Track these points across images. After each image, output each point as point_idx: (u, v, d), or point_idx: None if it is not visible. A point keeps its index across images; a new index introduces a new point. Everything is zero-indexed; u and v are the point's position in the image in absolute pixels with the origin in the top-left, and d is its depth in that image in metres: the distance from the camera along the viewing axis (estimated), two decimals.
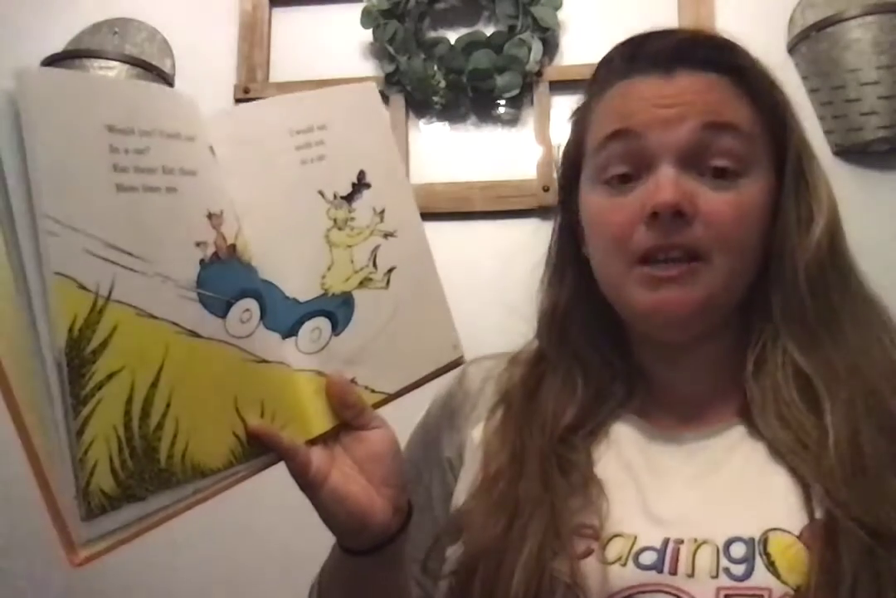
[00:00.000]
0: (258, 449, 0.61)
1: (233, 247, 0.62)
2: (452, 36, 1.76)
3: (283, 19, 1.86)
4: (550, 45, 1.74)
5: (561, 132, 1.69)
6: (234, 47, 1.83)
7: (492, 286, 1.66)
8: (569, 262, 0.81)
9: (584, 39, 1.75)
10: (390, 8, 1.75)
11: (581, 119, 0.79)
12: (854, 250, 0.74)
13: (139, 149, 0.56)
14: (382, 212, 0.71)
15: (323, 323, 0.67)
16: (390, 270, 0.71)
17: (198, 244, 0.59)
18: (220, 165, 0.63)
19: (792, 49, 1.63)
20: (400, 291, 0.71)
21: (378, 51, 1.79)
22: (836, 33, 1.55)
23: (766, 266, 0.72)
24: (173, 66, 1.85)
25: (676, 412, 0.75)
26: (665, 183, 0.68)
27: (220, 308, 0.60)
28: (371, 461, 0.67)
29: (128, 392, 0.53)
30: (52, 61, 1.75)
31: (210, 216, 0.60)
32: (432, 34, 1.79)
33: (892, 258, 1.26)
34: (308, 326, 0.66)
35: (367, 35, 1.78)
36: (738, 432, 0.71)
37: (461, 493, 0.77)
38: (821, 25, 1.57)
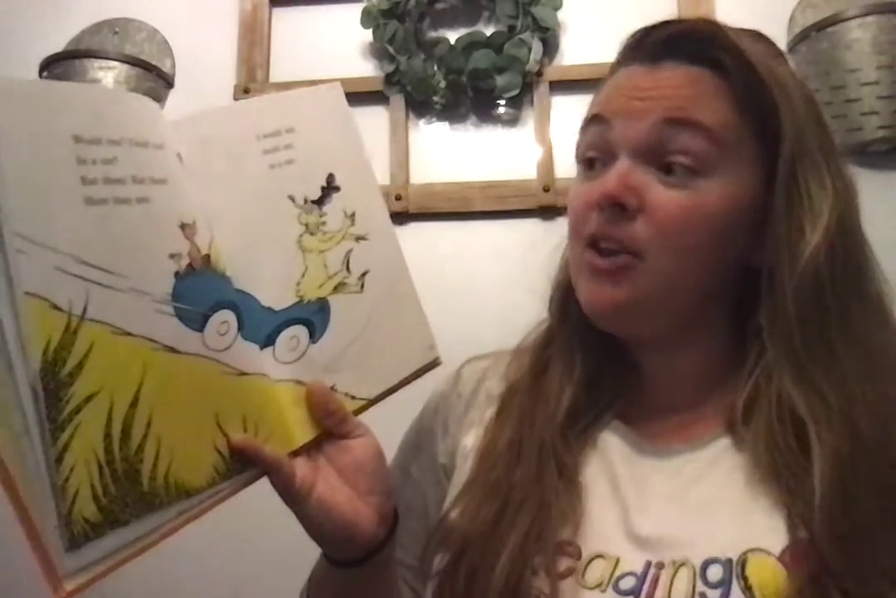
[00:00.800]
0: (241, 465, 0.60)
1: (207, 257, 0.60)
2: (452, 36, 1.76)
3: (283, 19, 1.87)
4: (550, 45, 1.74)
5: (561, 132, 1.70)
6: (234, 47, 1.84)
7: (492, 286, 1.66)
8: None
9: (584, 39, 1.75)
10: (390, 8, 1.75)
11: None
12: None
13: (107, 159, 0.53)
14: (353, 215, 0.70)
15: (300, 331, 0.66)
16: (364, 274, 0.70)
17: (172, 256, 0.57)
18: (188, 173, 0.61)
19: (792, 49, 1.62)
20: (374, 294, 0.70)
21: (378, 51, 1.79)
22: (836, 33, 1.54)
23: (758, 278, 0.69)
24: (173, 66, 1.86)
25: (664, 420, 0.73)
26: (612, 174, 0.68)
27: (198, 322, 0.58)
28: (356, 470, 0.66)
29: (107, 414, 0.51)
30: (52, 61, 1.76)
31: (183, 226, 0.58)
32: (432, 34, 1.79)
33: (893, 258, 1.24)
34: (285, 334, 0.65)
35: (367, 35, 1.78)
36: (721, 445, 0.69)
37: (451, 498, 0.75)
38: (821, 25, 1.57)
